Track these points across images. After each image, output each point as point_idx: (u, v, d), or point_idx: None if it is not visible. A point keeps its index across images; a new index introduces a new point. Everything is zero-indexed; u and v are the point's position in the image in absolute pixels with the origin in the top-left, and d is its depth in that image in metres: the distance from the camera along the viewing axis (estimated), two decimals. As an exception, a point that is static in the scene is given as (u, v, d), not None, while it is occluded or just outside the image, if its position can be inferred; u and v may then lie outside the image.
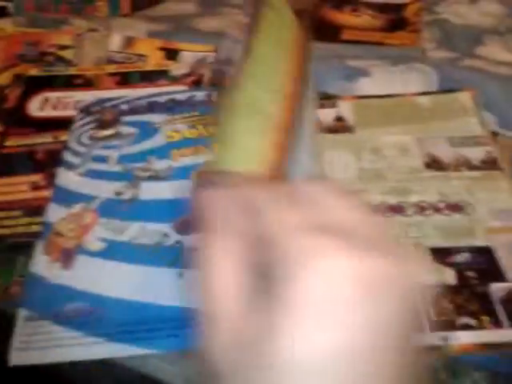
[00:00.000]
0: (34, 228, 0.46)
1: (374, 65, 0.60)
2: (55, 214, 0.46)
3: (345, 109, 0.54)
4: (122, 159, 0.50)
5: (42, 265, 0.43)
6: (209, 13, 0.78)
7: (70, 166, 0.50)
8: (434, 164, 0.50)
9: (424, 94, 0.56)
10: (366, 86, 0.58)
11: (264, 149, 0.30)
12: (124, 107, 0.54)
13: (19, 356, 0.38)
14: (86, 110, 0.54)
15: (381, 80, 0.58)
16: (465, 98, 0.56)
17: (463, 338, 0.37)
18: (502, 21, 0.74)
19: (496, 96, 0.56)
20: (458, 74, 0.60)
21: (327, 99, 0.55)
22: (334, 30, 0.69)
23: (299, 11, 0.41)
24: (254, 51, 0.36)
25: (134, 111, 0.54)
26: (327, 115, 0.53)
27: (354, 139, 0.52)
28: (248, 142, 0.31)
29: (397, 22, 0.73)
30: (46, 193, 0.48)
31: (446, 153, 0.50)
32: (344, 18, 0.74)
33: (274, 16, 0.39)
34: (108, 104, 0.55)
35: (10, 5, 0.78)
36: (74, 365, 0.38)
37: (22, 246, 0.45)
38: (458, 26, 0.72)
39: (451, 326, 0.38)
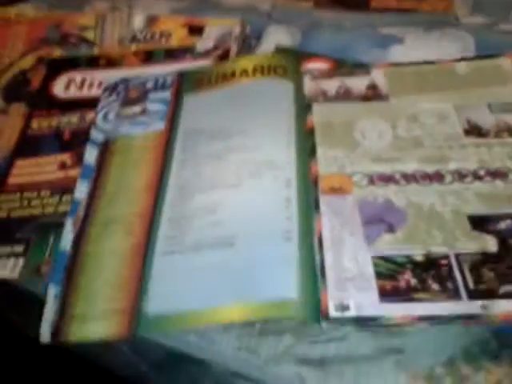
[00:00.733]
0: (63, 208, 0.45)
1: (406, 32, 0.57)
2: (83, 190, 0.45)
3: (378, 77, 0.52)
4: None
5: (69, 241, 0.42)
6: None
7: (97, 144, 0.49)
8: (473, 131, 0.47)
9: (462, 60, 0.53)
10: (399, 53, 0.55)
11: None
12: (150, 84, 0.53)
13: (50, 333, 0.38)
14: (111, 89, 0.53)
15: (415, 46, 0.56)
16: (505, 63, 0.53)
17: (505, 307, 0.35)
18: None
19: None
20: (494, 38, 0.57)
21: (359, 67, 0.53)
22: (361, -1, 0.67)
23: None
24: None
25: (160, 88, 0.52)
26: (360, 83, 0.51)
27: (389, 107, 0.49)
28: None
29: (427, -11, 0.70)
30: (73, 172, 0.48)
31: (486, 119, 0.48)
32: (371, -13, 0.72)
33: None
34: (134, 82, 0.53)
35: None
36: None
37: (52, 226, 0.44)
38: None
39: (492, 295, 0.35)
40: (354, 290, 0.36)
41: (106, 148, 0.48)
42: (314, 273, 0.37)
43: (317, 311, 0.35)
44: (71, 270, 0.40)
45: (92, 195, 0.45)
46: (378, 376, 0.34)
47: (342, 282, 0.37)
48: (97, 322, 0.37)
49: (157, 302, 0.37)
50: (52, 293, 0.40)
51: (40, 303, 0.39)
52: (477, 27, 0.59)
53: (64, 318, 0.38)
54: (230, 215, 0.41)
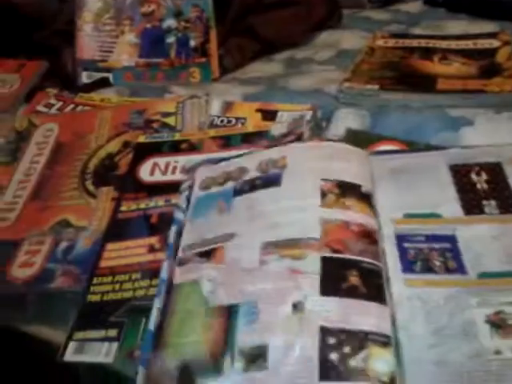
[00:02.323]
0: (153, 291, 0.47)
1: (476, 113, 0.59)
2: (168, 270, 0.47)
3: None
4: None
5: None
6: (297, 72, 0.80)
7: (179, 223, 0.51)
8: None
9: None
10: (470, 135, 0.56)
11: None
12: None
13: None
14: (193, 170, 0.57)
15: (486, 129, 0.57)
16: None
17: None
18: None
19: None
20: None
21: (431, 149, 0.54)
22: (428, 80, 0.69)
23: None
24: None
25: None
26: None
27: None
28: None
29: (490, 67, 0.72)
30: (162, 255, 0.50)
31: None
32: (435, 67, 0.74)
33: None
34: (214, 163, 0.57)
35: (110, 76, 0.84)
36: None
37: (144, 309, 0.46)
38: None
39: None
40: None
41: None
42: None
43: None
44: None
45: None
46: None
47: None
48: None
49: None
50: (142, 374, 0.41)
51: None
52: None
53: None
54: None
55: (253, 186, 0.51)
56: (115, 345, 0.44)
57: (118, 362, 0.43)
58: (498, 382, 0.34)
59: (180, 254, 0.48)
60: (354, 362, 0.35)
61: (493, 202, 0.46)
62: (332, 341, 0.37)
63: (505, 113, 0.59)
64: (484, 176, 0.48)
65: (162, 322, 0.43)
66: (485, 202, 0.46)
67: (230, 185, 0.53)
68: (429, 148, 0.55)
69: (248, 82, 0.77)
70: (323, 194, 0.47)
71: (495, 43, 0.79)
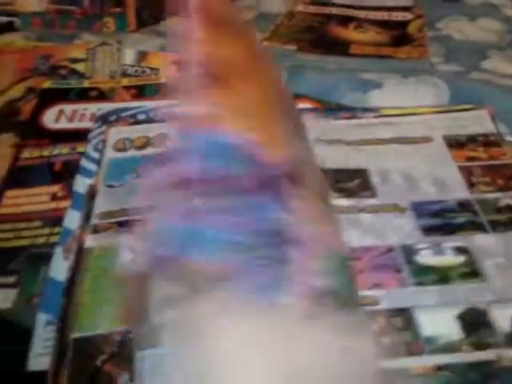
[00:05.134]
0: (54, 238, 0.46)
1: (385, 77, 0.61)
2: (74, 220, 0.46)
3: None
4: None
5: (61, 270, 0.43)
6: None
7: (88, 173, 0.50)
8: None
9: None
10: (377, 97, 0.59)
11: None
12: (141, 117, 0.54)
13: (38, 361, 0.37)
14: (103, 119, 0.54)
15: (392, 91, 0.59)
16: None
17: None
18: (503, 37, 0.76)
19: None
20: (468, 86, 0.61)
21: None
22: (341, 44, 0.71)
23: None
24: None
25: (150, 121, 0.54)
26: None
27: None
28: None
29: (401, 37, 0.75)
30: (65, 203, 0.48)
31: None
32: (350, 33, 0.76)
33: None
34: (125, 113, 0.55)
35: (17, 20, 0.78)
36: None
37: (44, 257, 0.44)
38: (460, 42, 0.74)
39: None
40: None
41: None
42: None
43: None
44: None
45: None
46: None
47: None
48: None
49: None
50: (42, 321, 0.40)
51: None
52: (450, 75, 0.63)
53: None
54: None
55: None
56: (14, 292, 0.42)
57: (17, 308, 0.42)
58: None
59: (95, 221, 0.46)
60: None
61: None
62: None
63: (412, 77, 0.61)
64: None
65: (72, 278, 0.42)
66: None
67: (150, 151, 0.51)
68: (340, 108, 0.57)
69: (165, 34, 0.75)
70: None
71: (408, 16, 0.82)
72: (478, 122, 0.55)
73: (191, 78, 0.26)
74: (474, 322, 0.36)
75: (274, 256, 0.24)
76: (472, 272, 0.40)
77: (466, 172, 0.50)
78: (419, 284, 0.39)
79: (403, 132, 0.54)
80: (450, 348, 0.35)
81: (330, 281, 0.23)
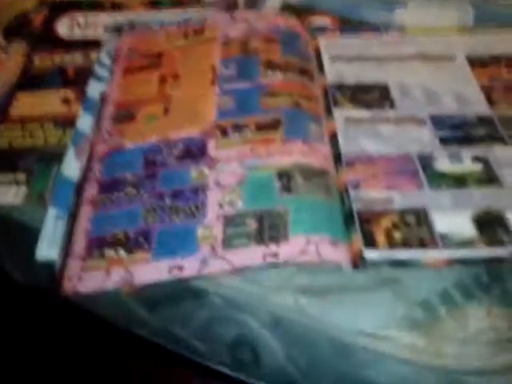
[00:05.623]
0: (66, 140, 0.45)
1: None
2: (86, 123, 0.46)
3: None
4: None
5: (73, 168, 0.43)
6: None
7: (101, 79, 0.49)
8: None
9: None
10: (402, 16, 0.57)
11: None
12: (156, 28, 0.53)
13: (46, 251, 0.38)
14: (116, 30, 0.53)
15: (416, 12, 0.57)
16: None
17: None
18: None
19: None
20: (493, 9, 0.59)
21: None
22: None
23: None
24: None
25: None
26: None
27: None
28: None
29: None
30: (77, 107, 0.47)
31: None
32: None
33: None
34: (139, 25, 0.54)
35: None
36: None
37: (56, 156, 0.44)
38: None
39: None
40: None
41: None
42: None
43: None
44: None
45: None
46: (376, 306, 0.35)
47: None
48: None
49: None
50: (52, 214, 0.40)
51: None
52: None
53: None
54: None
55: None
56: (24, 188, 0.42)
57: (28, 204, 0.42)
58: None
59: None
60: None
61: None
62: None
63: (437, -1, 0.59)
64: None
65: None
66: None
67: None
68: (362, 24, 0.55)
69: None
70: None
71: None
72: (502, 43, 0.53)
73: None
74: (489, 223, 0.36)
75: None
76: (489, 179, 0.39)
77: (488, 90, 0.48)
78: (435, 187, 0.38)
79: (426, 50, 0.52)
80: (463, 244, 0.34)
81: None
